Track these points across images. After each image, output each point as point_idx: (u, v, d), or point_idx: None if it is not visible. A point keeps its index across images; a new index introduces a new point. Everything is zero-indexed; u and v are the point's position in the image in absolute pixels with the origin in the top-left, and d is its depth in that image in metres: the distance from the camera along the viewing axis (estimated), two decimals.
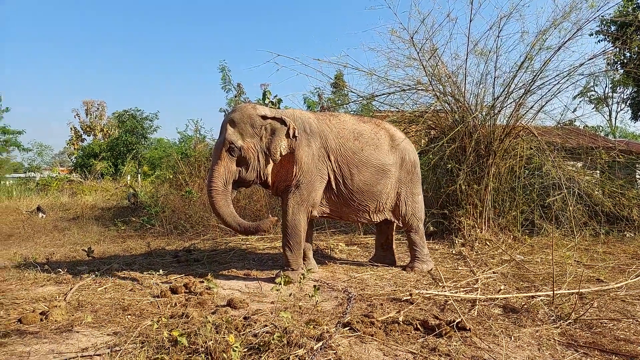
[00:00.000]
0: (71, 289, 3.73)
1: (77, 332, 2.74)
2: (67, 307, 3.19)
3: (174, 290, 3.63)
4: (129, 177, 16.56)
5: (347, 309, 3.09)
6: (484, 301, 3.32)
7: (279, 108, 9.33)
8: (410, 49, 6.17)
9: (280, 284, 2.77)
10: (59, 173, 21.16)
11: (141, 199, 10.06)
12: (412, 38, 5.99)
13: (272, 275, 4.13)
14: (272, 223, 3.77)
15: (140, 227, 7.52)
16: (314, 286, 2.79)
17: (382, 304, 3.21)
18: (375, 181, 4.20)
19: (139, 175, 17.42)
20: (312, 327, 2.47)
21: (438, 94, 6.18)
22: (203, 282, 3.87)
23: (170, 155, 11.10)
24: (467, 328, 2.67)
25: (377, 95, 6.82)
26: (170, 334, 2.36)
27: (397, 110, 6.99)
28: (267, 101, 10.79)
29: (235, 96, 12.48)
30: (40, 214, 9.05)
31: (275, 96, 10.25)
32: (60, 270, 4.32)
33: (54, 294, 3.63)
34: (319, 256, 4.83)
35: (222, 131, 3.91)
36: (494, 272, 4.22)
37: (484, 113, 6.16)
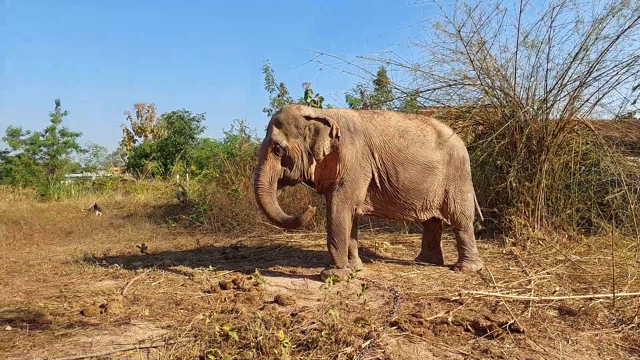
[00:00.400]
0: (127, 283, 3.91)
1: (134, 324, 2.88)
2: (124, 301, 3.35)
3: (223, 286, 3.74)
4: (177, 176, 17.15)
5: (394, 308, 3.06)
6: (537, 303, 3.19)
7: (320, 106, 9.37)
8: (456, 42, 6.00)
9: (330, 282, 2.78)
10: (113, 173, 22.26)
11: (189, 197, 10.40)
12: (459, 31, 5.83)
13: (317, 273, 4.15)
14: (311, 213, 3.85)
15: (189, 224, 7.79)
16: (362, 285, 2.78)
17: (430, 304, 3.16)
18: (422, 179, 4.13)
19: (187, 174, 17.98)
20: (360, 325, 2.46)
21: (486, 88, 5.99)
22: (251, 278, 3.96)
23: (217, 154, 11.41)
24: (521, 330, 2.57)
25: (421, 91, 6.69)
26: (221, 329, 2.43)
27: (442, 105, 6.84)
28: (308, 100, 10.83)
29: (279, 96, 12.62)
30: (97, 212, 9.55)
31: (317, 94, 10.27)
32: (117, 265, 4.54)
33: (111, 288, 3.82)
34: (363, 255, 4.81)
35: (268, 131, 3.99)
36: (547, 273, 4.04)
37: (535, 107, 5.91)
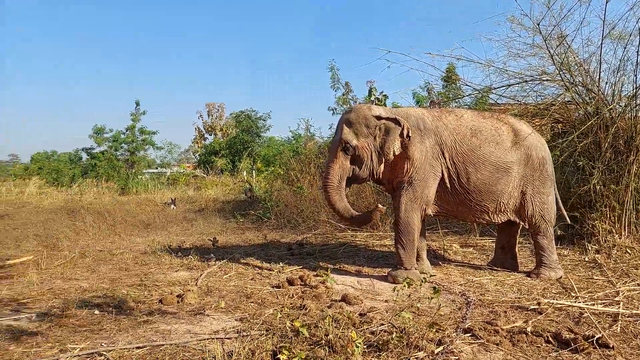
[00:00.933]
0: (201, 275, 4.10)
1: (208, 315, 3.00)
2: (198, 292, 3.51)
3: (290, 282, 3.80)
4: (244, 173, 17.73)
5: (466, 313, 2.94)
6: (628, 317, 2.92)
7: (384, 104, 9.24)
8: (535, 37, 5.66)
9: (405, 285, 2.72)
10: (185, 169, 23.47)
11: (256, 194, 10.70)
12: (537, 25, 5.49)
13: (384, 274, 4.10)
14: (380, 212, 3.86)
15: (256, 219, 8.01)
16: (434, 288, 2.70)
17: (505, 312, 3.00)
18: (495, 180, 3.95)
19: (253, 171, 18.52)
20: (434, 330, 2.39)
21: (567, 84, 5.59)
22: (317, 275, 4.00)
23: (283, 152, 11.64)
24: (610, 346, 2.37)
25: (494, 88, 6.39)
26: (292, 325, 2.46)
27: (518, 102, 6.49)
28: (372, 98, 10.72)
29: (343, 94, 12.62)
30: (172, 206, 10.10)
31: (382, 92, 10.15)
32: (191, 257, 4.78)
33: (186, 279, 4.02)
34: (431, 257, 4.68)
35: (338, 130, 4.01)
36: (638, 284, 3.70)
37: (622, 104, 5.43)
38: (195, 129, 30.36)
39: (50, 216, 8.26)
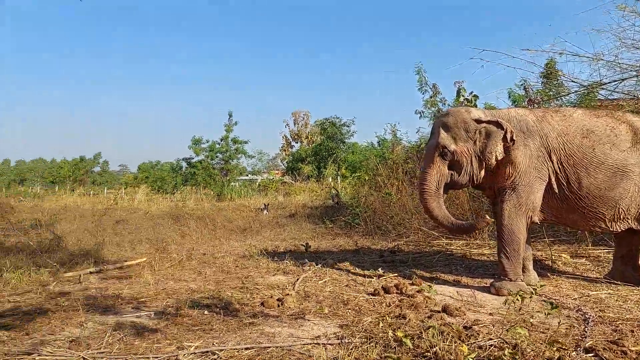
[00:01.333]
0: (297, 279, 4.20)
1: (309, 320, 3.06)
2: (296, 296, 3.60)
3: (386, 290, 3.75)
4: (330, 179, 17.98)
5: (585, 331, 2.68)
6: None
7: (475, 105, 8.81)
8: None
9: (518, 298, 2.56)
10: (275, 176, 24.43)
11: (342, 199, 10.78)
12: None
13: (485, 284, 3.89)
14: (487, 223, 3.65)
15: (345, 225, 8.06)
16: (549, 302, 2.50)
17: (632, 331, 2.69)
18: (612, 184, 3.58)
19: (338, 177, 18.73)
20: (555, 348, 2.21)
21: None
22: (413, 284, 3.91)
23: (369, 158, 11.61)
24: None
25: (605, 83, 5.83)
26: (395, 334, 2.43)
27: (633, 98, 5.84)
28: (461, 99, 10.29)
29: (431, 97, 12.29)
30: (265, 212, 10.55)
31: (471, 92, 9.70)
32: (287, 262, 4.93)
33: (284, 283, 4.15)
34: (537, 268, 4.35)
35: (435, 134, 3.90)
36: None
37: None
38: (283, 137, 31.49)
39: (158, 221, 9.02)
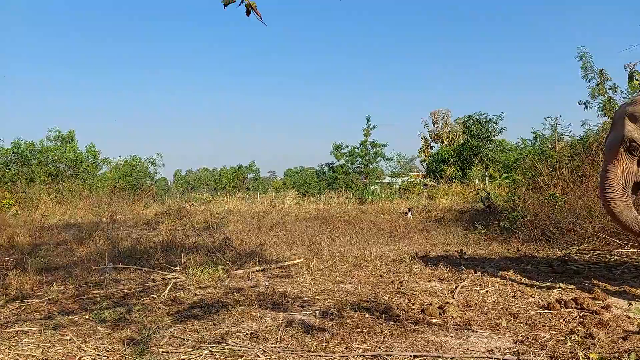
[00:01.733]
0: (455, 287, 4.00)
1: (476, 331, 2.88)
2: (457, 305, 3.42)
3: (562, 304, 3.35)
4: (477, 181, 16.96)
5: None
6: None
7: None
8: None
9: None
10: (415, 178, 24.03)
11: (495, 203, 10.04)
12: None
13: None
14: None
15: (500, 231, 7.48)
16: None
17: None
18: None
19: (486, 178, 17.55)
20: None
21: None
22: (595, 299, 3.43)
23: (526, 157, 10.60)
24: None
25: None
26: (587, 356, 2.13)
27: None
28: (635, 84, 8.81)
29: (597, 84, 10.77)
30: (409, 215, 10.39)
31: None
32: (442, 268, 4.74)
33: (441, 290, 3.99)
34: None
35: (618, 127, 3.37)
36: None
37: None
38: (422, 138, 30.78)
39: (309, 223, 9.52)
